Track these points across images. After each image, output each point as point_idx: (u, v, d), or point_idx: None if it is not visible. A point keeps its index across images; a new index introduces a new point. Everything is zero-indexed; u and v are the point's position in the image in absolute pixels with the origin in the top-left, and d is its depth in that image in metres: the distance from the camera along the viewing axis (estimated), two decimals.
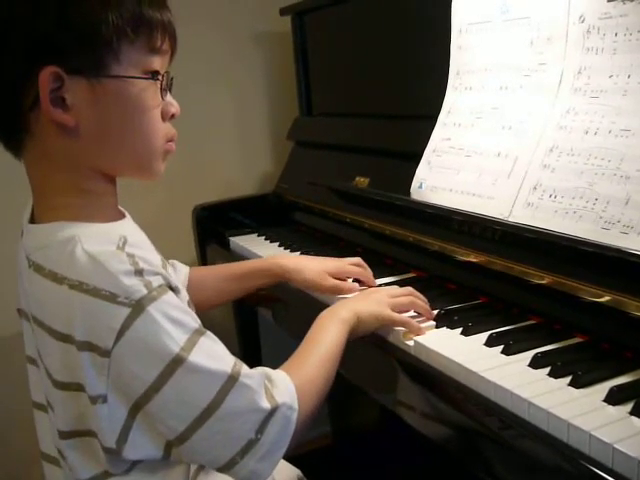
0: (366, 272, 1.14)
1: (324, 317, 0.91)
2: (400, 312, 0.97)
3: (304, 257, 1.19)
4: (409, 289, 1.02)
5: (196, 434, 0.69)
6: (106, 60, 0.70)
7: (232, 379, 0.70)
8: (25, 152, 0.74)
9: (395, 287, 1.05)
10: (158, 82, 0.74)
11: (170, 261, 1.09)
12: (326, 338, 0.86)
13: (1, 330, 1.48)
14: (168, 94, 0.78)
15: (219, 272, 1.17)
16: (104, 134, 0.73)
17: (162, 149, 0.78)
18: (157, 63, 0.74)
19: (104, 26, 0.68)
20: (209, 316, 1.14)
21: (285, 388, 0.75)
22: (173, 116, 0.78)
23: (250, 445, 0.71)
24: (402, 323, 0.96)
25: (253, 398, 0.71)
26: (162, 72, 0.75)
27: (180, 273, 1.10)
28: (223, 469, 0.72)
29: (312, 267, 1.11)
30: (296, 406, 0.75)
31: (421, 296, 1.01)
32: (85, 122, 0.71)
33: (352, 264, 1.13)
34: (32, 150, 0.73)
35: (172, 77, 0.79)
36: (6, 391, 1.39)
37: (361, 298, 1.00)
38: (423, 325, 0.96)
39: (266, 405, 0.71)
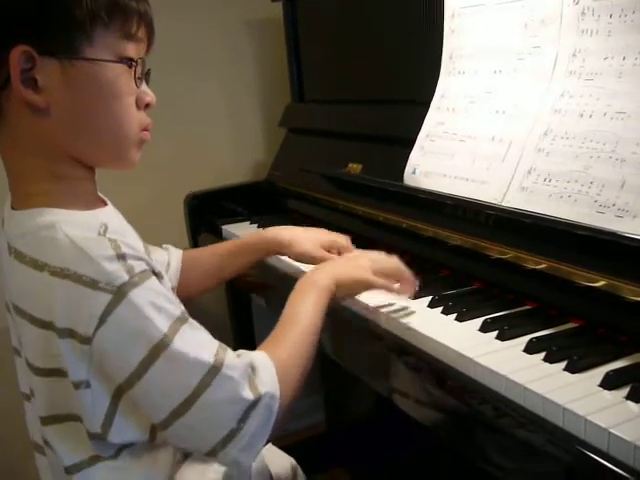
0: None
1: (302, 285, 0.89)
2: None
3: (298, 229, 1.16)
4: (394, 258, 0.99)
5: (177, 422, 0.69)
6: (79, 42, 0.69)
7: (214, 369, 0.69)
8: None
9: (380, 252, 1.01)
10: (132, 69, 0.73)
11: (164, 245, 1.09)
12: (305, 311, 0.84)
13: None
14: (144, 83, 0.77)
15: (213, 249, 1.16)
16: (76, 118, 0.72)
17: (136, 137, 0.77)
18: (131, 50, 0.73)
19: (78, 9, 0.68)
20: (201, 302, 1.14)
21: (268, 377, 0.74)
22: (148, 105, 0.78)
23: (232, 435, 0.70)
24: (382, 287, 0.95)
25: (236, 389, 0.70)
26: (137, 59, 0.74)
27: (173, 256, 1.09)
28: (206, 455, 0.72)
29: (306, 239, 1.09)
30: (278, 395, 0.73)
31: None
32: (57, 104, 0.70)
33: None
34: (5, 132, 0.73)
35: (149, 69, 0.78)
36: None
37: (342, 262, 0.98)
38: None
39: (249, 396, 0.71)
